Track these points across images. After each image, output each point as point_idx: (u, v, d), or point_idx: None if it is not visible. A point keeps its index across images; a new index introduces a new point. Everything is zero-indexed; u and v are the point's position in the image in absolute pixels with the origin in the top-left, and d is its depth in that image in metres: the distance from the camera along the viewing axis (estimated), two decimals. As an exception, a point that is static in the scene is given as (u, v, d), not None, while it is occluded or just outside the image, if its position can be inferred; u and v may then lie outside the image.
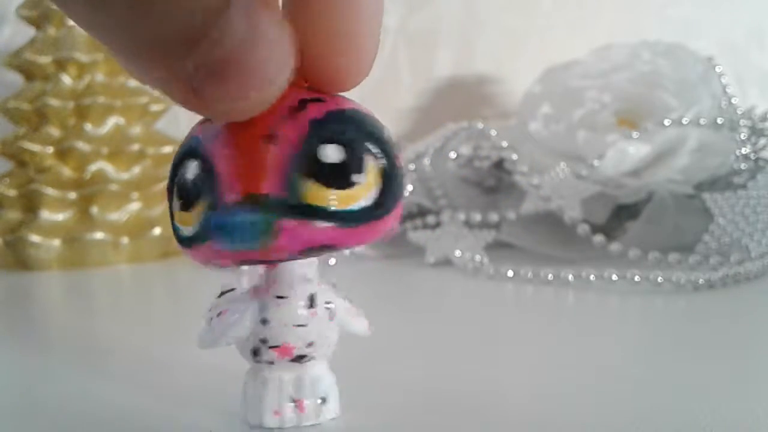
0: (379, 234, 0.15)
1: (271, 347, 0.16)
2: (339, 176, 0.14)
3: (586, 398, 0.18)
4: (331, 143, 0.14)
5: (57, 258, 0.40)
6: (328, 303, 0.16)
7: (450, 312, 0.30)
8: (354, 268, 0.39)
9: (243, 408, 0.17)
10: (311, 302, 0.16)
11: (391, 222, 0.15)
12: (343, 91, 0.15)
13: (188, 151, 0.15)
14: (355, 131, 0.15)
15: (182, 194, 0.15)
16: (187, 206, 0.15)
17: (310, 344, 0.16)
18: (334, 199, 0.14)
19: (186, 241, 0.15)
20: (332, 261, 0.40)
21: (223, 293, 0.17)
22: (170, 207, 0.15)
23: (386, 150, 0.15)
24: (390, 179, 0.15)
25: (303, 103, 0.14)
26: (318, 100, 0.15)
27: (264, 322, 0.16)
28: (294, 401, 0.16)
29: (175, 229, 0.15)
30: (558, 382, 0.20)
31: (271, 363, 0.16)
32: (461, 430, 0.16)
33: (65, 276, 0.39)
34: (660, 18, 0.66)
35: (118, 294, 0.36)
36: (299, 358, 0.16)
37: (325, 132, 0.14)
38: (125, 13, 0.11)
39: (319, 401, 0.17)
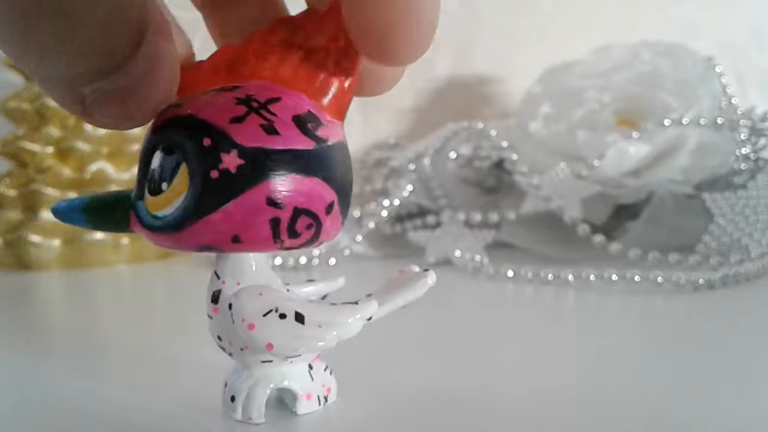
0: (185, 244, 0.15)
1: None
2: (152, 182, 0.15)
3: (585, 398, 0.18)
4: (158, 150, 0.15)
5: (57, 258, 0.40)
6: (229, 304, 0.16)
7: (450, 312, 0.30)
8: (354, 268, 0.39)
9: None
10: (214, 299, 0.16)
11: (199, 235, 0.15)
12: (406, 63, 0.15)
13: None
14: (176, 138, 0.15)
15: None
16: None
17: (218, 337, 0.17)
18: (150, 203, 0.15)
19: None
20: (332, 261, 0.40)
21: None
22: None
23: (203, 156, 0.14)
24: (199, 188, 0.14)
25: (165, 110, 0.15)
26: (177, 105, 0.15)
27: None
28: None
29: None
30: (558, 381, 0.20)
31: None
32: (461, 430, 0.16)
33: (65, 276, 0.39)
34: (660, 18, 0.66)
35: (118, 294, 0.36)
36: (222, 349, 0.17)
37: (159, 138, 0.15)
38: (50, 46, 0.13)
39: (229, 398, 0.17)
